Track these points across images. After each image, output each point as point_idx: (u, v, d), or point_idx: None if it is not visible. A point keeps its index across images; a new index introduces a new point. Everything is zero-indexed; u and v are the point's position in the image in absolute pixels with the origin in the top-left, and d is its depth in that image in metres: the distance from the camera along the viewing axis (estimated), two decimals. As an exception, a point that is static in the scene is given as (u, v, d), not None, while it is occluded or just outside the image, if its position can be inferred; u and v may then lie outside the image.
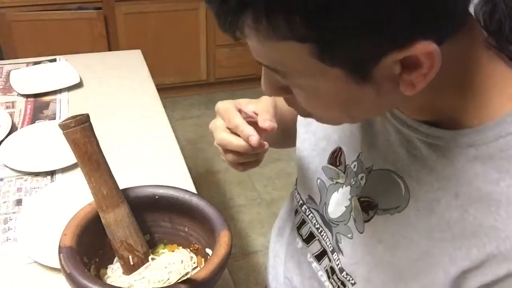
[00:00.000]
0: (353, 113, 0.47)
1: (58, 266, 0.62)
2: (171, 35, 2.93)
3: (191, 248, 0.75)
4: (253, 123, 0.59)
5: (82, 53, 1.71)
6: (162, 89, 1.56)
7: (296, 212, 0.73)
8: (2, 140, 1.12)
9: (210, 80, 3.23)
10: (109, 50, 2.74)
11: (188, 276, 0.67)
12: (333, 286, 0.64)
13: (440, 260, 0.48)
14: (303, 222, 0.71)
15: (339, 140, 0.63)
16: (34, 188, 0.99)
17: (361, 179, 0.58)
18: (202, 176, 2.46)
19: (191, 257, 0.73)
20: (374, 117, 0.54)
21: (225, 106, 0.62)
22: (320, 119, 0.51)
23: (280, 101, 0.60)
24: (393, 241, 0.53)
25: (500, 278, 0.44)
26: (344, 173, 0.62)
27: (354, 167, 0.60)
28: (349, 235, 0.60)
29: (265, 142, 0.59)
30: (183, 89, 3.18)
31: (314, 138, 0.67)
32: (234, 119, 0.60)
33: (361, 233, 0.58)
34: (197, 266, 0.72)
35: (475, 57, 0.45)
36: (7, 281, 0.77)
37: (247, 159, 0.63)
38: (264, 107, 0.62)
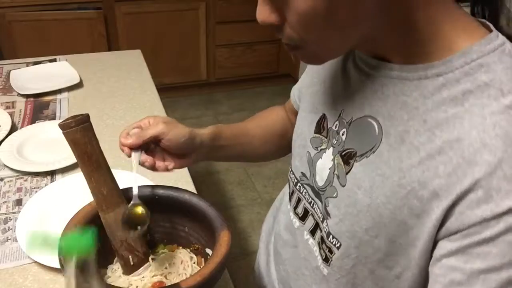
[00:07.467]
0: (336, 24, 0.48)
1: (58, 266, 0.62)
2: (171, 35, 2.93)
3: (191, 248, 0.75)
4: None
5: (82, 53, 1.71)
6: (162, 89, 1.56)
7: (292, 193, 0.74)
8: (2, 140, 1.12)
9: (210, 80, 3.23)
10: (109, 50, 2.74)
11: (188, 276, 0.67)
12: (321, 256, 0.65)
13: (411, 188, 0.50)
14: (298, 201, 0.72)
15: (323, 107, 0.66)
16: (34, 188, 0.99)
17: (343, 134, 0.61)
18: (202, 176, 2.46)
19: (191, 257, 0.73)
20: (353, 42, 0.54)
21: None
22: (306, 45, 0.52)
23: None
24: (369, 183, 0.55)
25: (466, 189, 0.45)
26: (326, 137, 0.65)
27: (335, 127, 0.63)
28: (334, 195, 0.61)
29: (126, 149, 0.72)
30: (183, 89, 3.18)
31: (305, 114, 0.71)
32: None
33: (344, 186, 0.59)
34: (197, 266, 0.72)
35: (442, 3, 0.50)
36: (7, 281, 0.77)
37: None
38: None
